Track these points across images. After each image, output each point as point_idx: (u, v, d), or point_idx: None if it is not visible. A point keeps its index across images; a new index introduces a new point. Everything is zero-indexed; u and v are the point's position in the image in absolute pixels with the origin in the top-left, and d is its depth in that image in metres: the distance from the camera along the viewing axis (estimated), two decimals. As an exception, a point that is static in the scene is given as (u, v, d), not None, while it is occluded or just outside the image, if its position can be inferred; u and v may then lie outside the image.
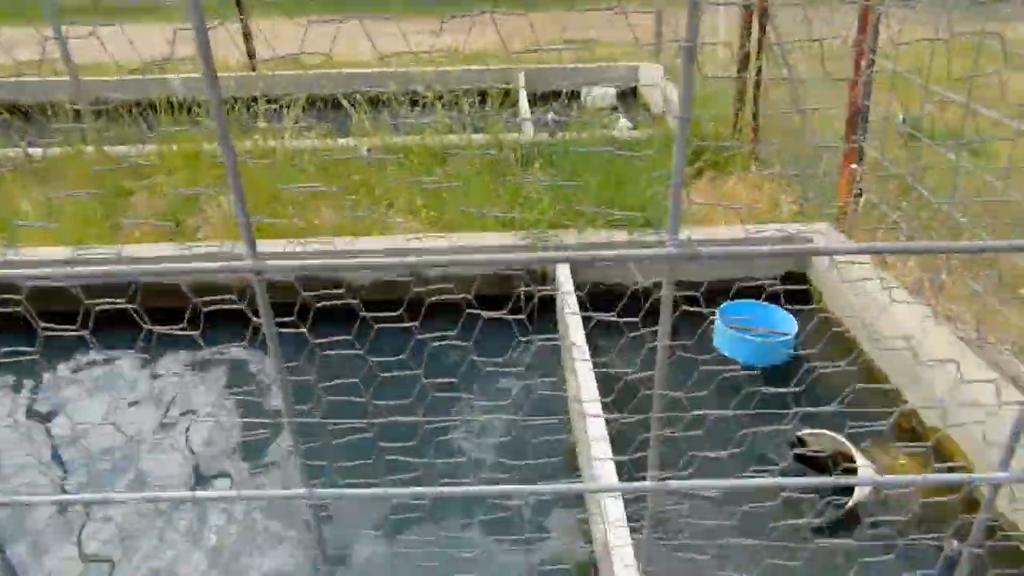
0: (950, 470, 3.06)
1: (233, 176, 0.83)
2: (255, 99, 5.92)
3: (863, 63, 3.99)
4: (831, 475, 3.05)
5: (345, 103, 5.63)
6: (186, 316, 1.00)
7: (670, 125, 6.00)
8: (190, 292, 1.02)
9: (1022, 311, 3.10)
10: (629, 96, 8.11)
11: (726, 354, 3.98)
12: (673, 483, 1.03)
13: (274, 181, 4.90)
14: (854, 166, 4.16)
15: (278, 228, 4.62)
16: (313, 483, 0.96)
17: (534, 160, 5.20)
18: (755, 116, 5.55)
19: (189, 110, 5.85)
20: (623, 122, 6.68)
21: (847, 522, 2.93)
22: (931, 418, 3.29)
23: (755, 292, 3.62)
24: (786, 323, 3.95)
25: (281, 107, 5.79)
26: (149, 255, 4.45)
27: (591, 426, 2.93)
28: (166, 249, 4.53)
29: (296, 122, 5.85)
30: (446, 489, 1.02)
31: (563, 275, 4.27)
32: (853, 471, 2.99)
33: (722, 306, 4.03)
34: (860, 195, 4.21)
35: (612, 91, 7.64)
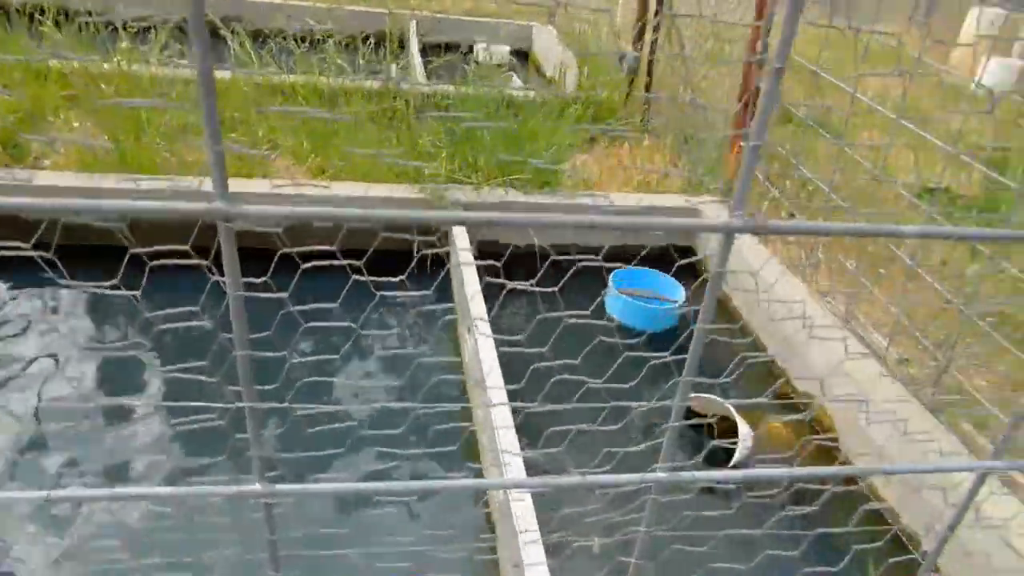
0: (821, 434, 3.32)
1: (208, 98, 0.67)
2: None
3: (759, 46, 4.14)
4: (714, 437, 3.22)
5: (224, 31, 5.10)
6: (123, 265, 0.81)
7: (565, 88, 5.99)
8: (128, 235, 0.82)
9: (887, 287, 3.39)
10: (518, 56, 8.01)
11: (616, 318, 4.07)
12: (685, 474, 0.99)
13: (138, 110, 4.37)
14: (744, 143, 4.34)
15: (148, 163, 4.15)
16: (269, 476, 0.83)
17: (428, 111, 5.00)
18: (648, 88, 5.66)
19: (31, 17, 5.07)
20: (516, 81, 6.60)
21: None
22: (803, 384, 3.55)
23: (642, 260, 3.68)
24: (674, 290, 4.09)
25: (149, 28, 5.15)
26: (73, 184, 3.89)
27: (497, 415, 2.77)
28: (82, 180, 3.97)
29: (164, 48, 5.23)
30: (437, 483, 0.91)
31: (459, 234, 4.15)
32: (734, 434, 3.17)
33: (614, 273, 4.10)
34: (746, 172, 4.40)
35: (506, 49, 7.53)
